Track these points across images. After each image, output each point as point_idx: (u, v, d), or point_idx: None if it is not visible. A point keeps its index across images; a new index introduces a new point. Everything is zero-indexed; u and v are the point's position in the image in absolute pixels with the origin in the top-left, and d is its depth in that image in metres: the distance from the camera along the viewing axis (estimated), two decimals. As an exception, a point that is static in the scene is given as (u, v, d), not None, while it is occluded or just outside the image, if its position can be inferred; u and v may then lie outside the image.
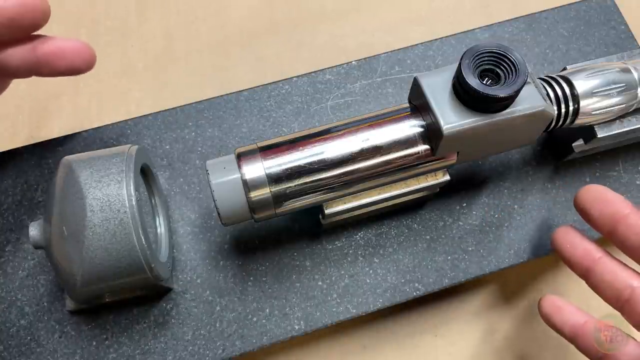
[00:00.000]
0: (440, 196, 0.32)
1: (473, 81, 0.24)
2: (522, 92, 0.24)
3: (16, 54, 0.27)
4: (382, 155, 0.26)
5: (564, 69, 0.31)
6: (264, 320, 0.30)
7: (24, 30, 0.27)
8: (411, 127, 0.26)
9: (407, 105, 0.28)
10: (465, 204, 0.33)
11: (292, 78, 0.36)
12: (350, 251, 0.32)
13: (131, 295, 0.30)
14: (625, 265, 0.27)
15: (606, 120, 0.30)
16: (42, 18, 0.27)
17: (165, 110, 0.35)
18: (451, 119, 0.25)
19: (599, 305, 0.28)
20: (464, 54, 0.24)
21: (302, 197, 0.27)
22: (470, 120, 0.24)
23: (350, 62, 0.36)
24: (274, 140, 0.27)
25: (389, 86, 0.36)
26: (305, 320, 0.30)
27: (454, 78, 0.25)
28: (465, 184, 0.33)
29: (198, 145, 0.34)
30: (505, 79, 0.24)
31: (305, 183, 0.26)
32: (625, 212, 0.26)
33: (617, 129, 0.30)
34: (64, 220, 0.25)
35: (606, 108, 0.29)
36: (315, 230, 0.32)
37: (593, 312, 0.28)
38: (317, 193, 0.27)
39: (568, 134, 0.31)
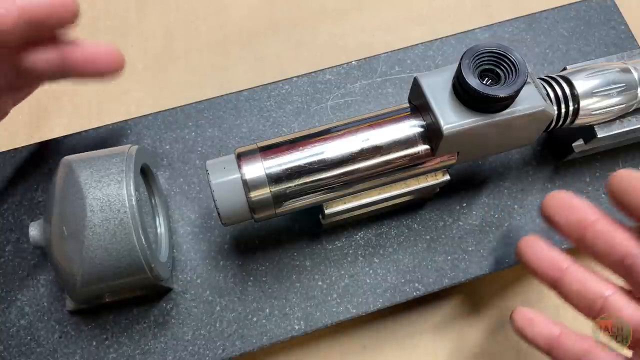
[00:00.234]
0: (440, 196, 0.32)
1: (473, 81, 0.24)
2: (522, 92, 0.24)
3: (44, 57, 0.27)
4: (382, 155, 0.26)
5: (564, 69, 0.31)
6: (264, 320, 0.30)
7: (51, 29, 0.26)
8: (411, 127, 0.26)
9: (407, 105, 0.28)
10: (465, 204, 0.33)
11: (292, 78, 0.36)
12: (350, 251, 0.32)
13: (131, 295, 0.30)
14: (595, 273, 0.26)
15: (606, 120, 0.30)
16: (70, 17, 0.26)
17: (165, 110, 0.35)
18: (451, 119, 0.25)
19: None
20: (464, 54, 0.24)
21: (302, 197, 0.27)
22: (470, 120, 0.24)
23: (350, 62, 0.36)
24: (274, 140, 0.27)
25: (389, 86, 0.36)
26: (305, 320, 0.30)
27: (454, 78, 0.25)
28: (465, 184, 0.33)
29: (198, 145, 0.34)
30: (505, 79, 0.24)
31: (305, 183, 0.26)
32: (592, 218, 0.26)
33: (617, 129, 0.30)
34: (64, 220, 0.25)
35: (606, 108, 0.29)
36: (315, 230, 0.32)
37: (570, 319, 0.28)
38: (317, 193, 0.27)
39: (568, 134, 0.31)
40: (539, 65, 0.36)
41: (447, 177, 0.29)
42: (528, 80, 0.25)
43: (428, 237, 0.32)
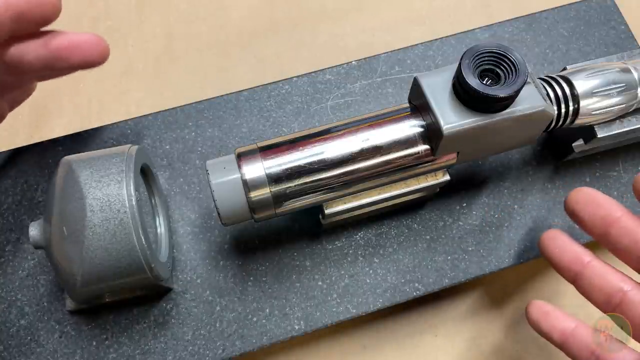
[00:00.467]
0: (440, 196, 0.32)
1: (473, 81, 0.24)
2: (522, 92, 0.24)
3: (30, 49, 0.27)
4: (382, 155, 0.26)
5: (564, 69, 0.31)
6: (264, 320, 0.30)
7: (35, 25, 0.27)
8: (411, 127, 0.26)
9: (407, 105, 0.28)
10: (465, 204, 0.33)
11: (292, 78, 0.36)
12: (350, 251, 0.32)
13: (131, 295, 0.30)
14: (615, 268, 0.27)
15: (606, 120, 0.30)
16: (53, 12, 0.27)
17: (165, 110, 0.35)
18: (451, 119, 0.25)
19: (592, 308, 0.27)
20: (464, 54, 0.24)
21: (302, 197, 0.27)
22: (470, 120, 0.24)
23: (350, 62, 0.36)
24: (274, 140, 0.27)
25: (389, 86, 0.36)
26: (305, 320, 0.30)
27: (454, 78, 0.25)
28: (465, 184, 0.33)
29: (198, 145, 0.34)
30: (505, 79, 0.24)
31: (305, 183, 0.26)
32: (617, 214, 0.26)
33: (617, 129, 0.30)
34: (64, 220, 0.25)
35: (606, 108, 0.29)
36: (315, 230, 0.32)
37: (585, 315, 0.28)
38: (317, 193, 0.27)
39: (568, 134, 0.31)
40: (539, 65, 0.36)
41: (447, 177, 0.29)
42: (528, 80, 0.25)
43: (428, 237, 0.32)
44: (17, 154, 0.34)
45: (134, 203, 0.26)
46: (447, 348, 0.36)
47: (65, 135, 0.34)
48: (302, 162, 0.26)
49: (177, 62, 0.44)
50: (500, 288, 0.37)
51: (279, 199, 0.26)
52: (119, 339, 0.30)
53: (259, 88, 0.36)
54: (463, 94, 0.24)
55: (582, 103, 0.28)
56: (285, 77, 0.36)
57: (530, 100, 0.25)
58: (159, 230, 0.31)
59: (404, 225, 0.32)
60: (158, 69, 0.43)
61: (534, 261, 0.32)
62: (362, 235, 0.32)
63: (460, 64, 0.24)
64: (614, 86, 0.28)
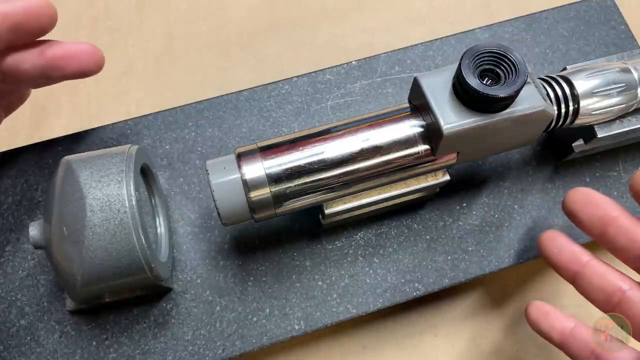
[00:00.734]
0: (440, 196, 0.32)
1: (473, 81, 0.24)
2: (522, 92, 0.24)
3: (26, 59, 0.27)
4: (382, 155, 0.26)
5: (564, 69, 0.31)
6: (264, 320, 0.30)
7: (31, 35, 0.27)
8: (411, 127, 0.26)
9: (407, 105, 0.28)
10: (465, 204, 0.33)
11: (292, 78, 0.36)
12: (350, 251, 0.32)
13: (131, 295, 0.30)
14: (613, 268, 0.27)
15: (606, 120, 0.30)
16: (49, 22, 0.27)
17: (165, 110, 0.35)
18: (451, 119, 0.25)
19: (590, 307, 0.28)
20: (464, 54, 0.24)
21: (302, 197, 0.27)
22: (470, 120, 0.24)
23: (350, 62, 0.36)
24: (274, 140, 0.27)
25: (389, 86, 0.36)
26: (305, 320, 0.30)
27: (454, 78, 0.25)
28: (465, 184, 0.33)
29: (198, 145, 0.34)
30: (505, 79, 0.24)
31: (305, 183, 0.26)
32: (614, 214, 0.26)
33: (617, 129, 0.30)
34: (64, 220, 0.25)
35: (606, 108, 0.29)
36: (315, 230, 0.32)
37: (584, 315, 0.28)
38: (317, 193, 0.27)
39: (568, 134, 0.31)
40: (539, 65, 0.36)
41: (447, 177, 0.29)
42: (528, 80, 0.25)
43: (428, 237, 0.32)
44: (17, 154, 0.34)
45: (134, 203, 0.26)
46: (447, 348, 0.36)
47: (65, 135, 0.34)
48: (302, 162, 0.26)
49: (177, 62, 0.44)
50: (500, 288, 0.37)
51: (279, 199, 0.26)
52: (119, 339, 0.30)
53: (259, 88, 0.36)
54: (463, 94, 0.24)
55: (582, 103, 0.28)
56: (285, 77, 0.36)
57: (530, 100, 0.25)
58: (159, 230, 0.31)
59: (404, 225, 0.32)
60: (158, 69, 0.43)
61: (534, 261, 0.32)
62: (362, 235, 0.32)
63: (460, 64, 0.24)
64: (614, 86, 0.28)
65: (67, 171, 0.27)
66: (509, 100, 0.24)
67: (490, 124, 0.25)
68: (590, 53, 0.36)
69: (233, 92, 0.36)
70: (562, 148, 0.33)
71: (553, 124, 0.29)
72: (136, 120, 0.35)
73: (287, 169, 0.26)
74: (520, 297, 0.37)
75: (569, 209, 0.28)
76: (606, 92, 0.28)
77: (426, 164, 0.27)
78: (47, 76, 0.28)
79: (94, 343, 0.30)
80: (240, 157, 0.26)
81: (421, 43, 0.37)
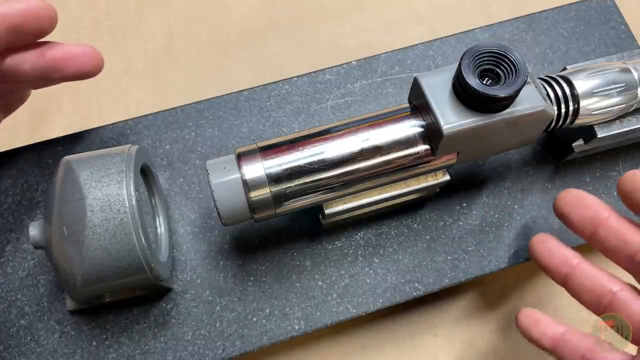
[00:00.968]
0: (440, 196, 0.32)
1: (473, 81, 0.24)
2: (522, 92, 0.24)
3: (26, 60, 0.28)
4: (382, 155, 0.26)
5: (564, 69, 0.31)
6: (264, 320, 0.30)
7: (31, 37, 0.27)
8: (411, 127, 0.26)
9: (407, 105, 0.28)
10: (465, 204, 0.33)
11: (292, 78, 0.36)
12: (350, 251, 0.32)
13: (131, 295, 0.30)
14: (604, 270, 0.27)
15: (606, 120, 0.30)
16: (49, 24, 0.27)
17: (165, 110, 0.35)
18: (451, 119, 0.25)
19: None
20: (464, 54, 0.24)
21: (302, 197, 0.27)
22: (470, 120, 0.24)
23: (350, 62, 0.36)
24: (274, 140, 0.27)
25: (389, 86, 0.36)
26: (305, 320, 0.30)
27: (454, 78, 0.25)
28: (465, 184, 0.33)
29: (198, 145, 0.34)
30: (505, 79, 0.24)
31: (305, 183, 0.26)
32: (605, 215, 0.26)
33: (617, 129, 0.30)
34: (64, 220, 0.25)
35: (606, 108, 0.29)
36: (315, 230, 0.32)
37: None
38: (317, 193, 0.27)
39: (568, 134, 0.31)
40: (539, 65, 0.36)
41: (447, 177, 0.29)
42: (528, 80, 0.25)
43: (428, 237, 0.32)
44: (17, 154, 0.34)
45: (134, 203, 0.26)
46: (447, 348, 0.36)
47: (65, 135, 0.34)
48: (302, 162, 0.26)
49: (177, 62, 0.44)
50: (500, 288, 0.37)
51: (279, 199, 0.26)
52: (119, 339, 0.30)
53: (259, 88, 0.36)
54: (463, 94, 0.24)
55: (582, 103, 0.28)
56: (285, 77, 0.36)
57: (530, 100, 0.25)
58: (159, 230, 0.31)
59: (404, 225, 0.32)
60: (158, 69, 0.43)
61: (533, 261, 0.32)
62: (362, 235, 0.32)
63: (460, 64, 0.24)
64: (614, 86, 0.28)
65: (67, 171, 0.27)
66: (509, 100, 0.24)
67: (490, 124, 0.25)
68: (590, 53, 0.36)
69: (233, 92, 0.36)
70: (562, 148, 0.33)
71: (553, 124, 0.29)
72: (136, 120, 0.35)
73: (287, 169, 0.26)
74: (520, 297, 0.37)
75: (560, 211, 0.28)
76: (606, 92, 0.28)
77: (426, 164, 0.27)
78: (47, 77, 0.28)
79: (94, 343, 0.30)
80: (240, 157, 0.26)
81: (421, 43, 0.37)
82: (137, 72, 0.43)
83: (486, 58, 0.25)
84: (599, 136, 0.30)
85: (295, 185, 0.26)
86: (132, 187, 0.26)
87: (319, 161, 0.26)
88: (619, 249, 0.26)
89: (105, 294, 0.28)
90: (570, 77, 0.29)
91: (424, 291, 0.31)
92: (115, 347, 0.30)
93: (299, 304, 0.31)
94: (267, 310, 0.31)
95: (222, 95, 0.35)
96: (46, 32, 0.27)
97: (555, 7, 0.38)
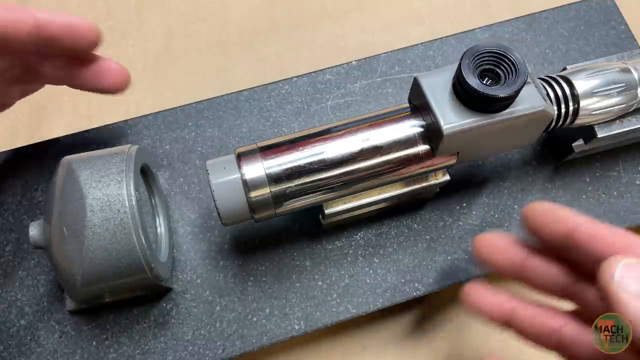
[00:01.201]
0: (440, 196, 0.32)
1: (473, 81, 0.24)
2: (522, 92, 0.24)
3: (53, 65, 0.28)
4: (382, 155, 0.26)
5: (564, 69, 0.31)
6: (264, 320, 0.30)
7: (64, 52, 0.27)
8: (411, 127, 0.26)
9: (407, 105, 0.28)
10: (465, 204, 0.33)
11: (292, 78, 0.36)
12: (350, 251, 0.32)
13: (131, 295, 0.30)
14: (541, 305, 0.25)
15: (606, 120, 0.30)
16: (87, 46, 0.27)
17: (165, 110, 0.35)
18: (451, 119, 0.25)
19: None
20: (464, 54, 0.24)
21: (302, 197, 0.27)
22: (470, 120, 0.24)
23: (350, 62, 0.36)
24: (274, 140, 0.27)
25: (389, 86, 0.36)
26: (305, 320, 0.30)
27: (454, 78, 0.25)
28: (465, 184, 0.33)
29: (198, 145, 0.34)
30: (505, 79, 0.24)
31: (305, 183, 0.26)
32: (522, 256, 0.25)
33: (617, 129, 0.30)
34: (64, 220, 0.25)
35: (606, 108, 0.29)
36: (315, 230, 0.32)
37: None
38: (317, 193, 0.27)
39: (568, 134, 0.31)
40: (539, 65, 0.36)
41: (447, 177, 0.29)
42: (528, 80, 0.25)
43: (428, 237, 0.32)
44: (17, 154, 0.34)
45: (134, 203, 0.26)
46: (448, 348, 0.35)
47: (65, 135, 0.34)
48: (302, 162, 0.26)
49: (177, 62, 0.44)
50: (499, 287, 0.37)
51: (279, 199, 0.26)
52: (119, 339, 0.30)
53: (259, 88, 0.36)
54: (463, 94, 0.24)
55: (582, 103, 0.28)
56: (285, 77, 0.36)
57: (530, 100, 0.25)
58: (159, 230, 0.31)
59: (404, 225, 0.32)
60: (158, 69, 0.43)
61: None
62: (362, 235, 0.32)
63: (460, 64, 0.24)
64: (614, 86, 0.28)
65: (67, 171, 0.27)
66: (509, 100, 0.24)
67: (490, 124, 0.25)
68: (590, 53, 0.36)
69: (233, 92, 0.36)
70: (562, 148, 0.33)
71: (553, 124, 0.29)
72: (136, 120, 0.35)
73: (287, 169, 0.26)
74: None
75: (479, 256, 0.26)
76: (606, 92, 0.28)
77: (426, 164, 0.27)
78: (69, 83, 0.29)
79: (94, 343, 0.30)
80: (240, 157, 0.26)
81: (421, 43, 0.37)
82: (137, 72, 0.43)
83: (486, 58, 0.25)
84: (599, 136, 0.30)
85: (295, 185, 0.26)
86: (132, 187, 0.26)
87: (319, 161, 0.26)
88: (549, 286, 0.25)
89: (105, 294, 0.28)
90: (570, 77, 0.29)
91: (424, 291, 0.31)
92: (115, 347, 0.30)
93: (299, 304, 0.31)
94: (267, 310, 0.31)
95: (222, 95, 0.35)
96: (82, 53, 0.28)
97: (555, 7, 0.38)
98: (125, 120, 0.35)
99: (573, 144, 0.31)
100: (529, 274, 0.25)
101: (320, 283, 0.31)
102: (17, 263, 0.31)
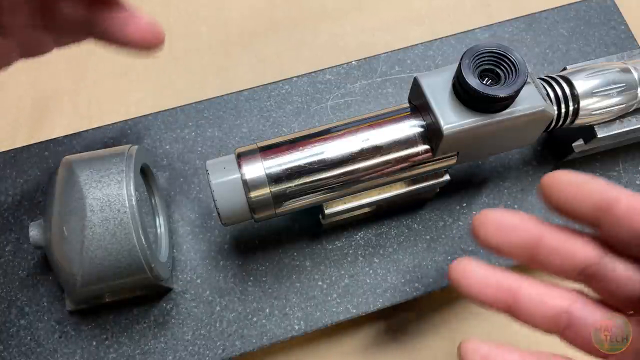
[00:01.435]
0: (440, 196, 0.32)
1: (473, 81, 0.24)
2: (522, 92, 0.24)
3: (74, 3, 0.25)
4: (382, 155, 0.26)
5: (564, 69, 0.31)
6: (264, 320, 0.30)
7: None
8: (411, 127, 0.26)
9: (407, 105, 0.28)
10: (465, 204, 0.33)
11: (292, 78, 0.36)
12: (350, 251, 0.32)
13: (131, 295, 0.30)
14: (548, 283, 0.23)
15: (606, 120, 0.30)
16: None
17: (165, 110, 0.35)
18: (451, 119, 0.25)
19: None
20: (464, 54, 0.24)
21: (302, 197, 0.27)
22: (470, 120, 0.24)
23: (350, 62, 0.36)
24: (274, 140, 0.27)
25: (389, 86, 0.36)
26: (305, 320, 0.30)
27: (454, 78, 0.25)
28: (465, 184, 0.33)
29: (198, 145, 0.34)
30: (505, 79, 0.24)
31: (305, 183, 0.26)
32: (537, 232, 0.22)
33: (617, 129, 0.30)
34: (64, 220, 0.25)
35: (606, 108, 0.29)
36: (315, 230, 0.32)
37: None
38: (317, 193, 0.27)
39: (568, 134, 0.31)
40: (539, 65, 0.36)
41: (447, 177, 0.29)
42: (528, 80, 0.25)
43: (428, 237, 0.32)
44: (17, 154, 0.34)
45: (134, 203, 0.26)
46: (448, 348, 0.35)
47: (65, 135, 0.34)
48: (302, 162, 0.26)
49: (177, 62, 0.44)
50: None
51: (279, 199, 0.26)
52: (119, 339, 0.30)
53: (259, 88, 0.36)
54: (463, 94, 0.24)
55: (582, 103, 0.28)
56: (285, 77, 0.36)
57: (530, 100, 0.25)
58: (159, 230, 0.31)
59: (404, 225, 0.32)
60: (158, 69, 0.43)
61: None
62: (362, 235, 0.32)
63: (460, 64, 0.24)
64: (614, 86, 0.28)
65: (67, 171, 0.27)
66: (509, 100, 0.24)
67: (490, 124, 0.25)
68: (590, 53, 0.36)
69: (233, 92, 0.36)
70: (562, 148, 0.33)
71: (553, 124, 0.29)
72: (136, 120, 0.35)
73: (287, 169, 0.26)
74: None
75: (484, 243, 0.23)
76: (606, 92, 0.28)
77: (426, 164, 0.27)
78: (93, 36, 0.27)
79: (94, 343, 0.30)
80: (240, 157, 0.26)
81: (421, 43, 0.37)
82: (137, 72, 0.43)
83: (486, 58, 0.25)
84: (599, 136, 0.30)
85: (295, 185, 0.26)
86: (132, 187, 0.26)
87: (319, 161, 0.26)
88: (565, 267, 0.22)
89: (105, 294, 0.28)
90: (570, 77, 0.29)
91: (424, 291, 0.31)
92: (115, 347, 0.30)
93: (299, 304, 0.31)
94: (267, 310, 0.31)
95: (222, 95, 0.35)
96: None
97: (555, 7, 0.38)
98: (125, 120, 0.35)
99: (573, 144, 0.31)
100: (545, 256, 0.22)
101: (320, 283, 0.31)
102: (17, 263, 0.31)
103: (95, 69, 0.43)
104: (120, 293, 0.29)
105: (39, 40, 0.27)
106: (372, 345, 0.36)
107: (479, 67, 0.25)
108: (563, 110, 0.28)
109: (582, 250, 0.22)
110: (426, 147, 0.26)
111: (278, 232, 0.32)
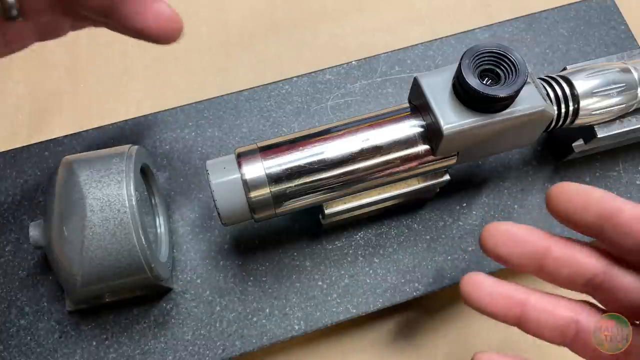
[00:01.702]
0: (440, 196, 0.32)
1: (473, 81, 0.24)
2: (522, 92, 0.24)
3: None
4: (382, 155, 0.26)
5: (564, 69, 0.31)
6: (264, 320, 0.30)
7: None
8: (411, 127, 0.26)
9: (407, 105, 0.28)
10: (465, 204, 0.33)
11: (292, 78, 0.36)
12: (350, 251, 0.32)
13: (131, 295, 0.30)
14: (556, 295, 0.24)
15: (606, 120, 0.30)
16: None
17: (165, 110, 0.35)
18: (451, 119, 0.25)
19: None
20: (464, 54, 0.24)
21: (302, 197, 0.27)
22: (470, 120, 0.24)
23: (350, 62, 0.36)
24: (274, 140, 0.27)
25: (389, 86, 0.36)
26: (305, 320, 0.30)
27: (454, 78, 0.25)
28: (465, 184, 0.33)
29: (198, 145, 0.34)
30: (505, 79, 0.24)
31: (305, 183, 0.26)
32: (545, 244, 0.23)
33: (617, 129, 0.30)
34: (64, 220, 0.25)
35: (606, 108, 0.29)
36: (315, 230, 0.32)
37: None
38: (317, 193, 0.27)
39: (568, 134, 0.31)
40: (539, 65, 0.36)
41: (447, 177, 0.29)
42: (528, 80, 0.25)
43: (428, 237, 0.32)
44: (17, 154, 0.34)
45: (134, 203, 0.26)
46: (448, 348, 0.35)
47: (65, 135, 0.34)
48: (302, 162, 0.26)
49: (177, 62, 0.44)
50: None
51: (279, 199, 0.26)
52: (119, 339, 0.30)
53: (259, 88, 0.36)
54: (463, 94, 0.24)
55: (582, 103, 0.28)
56: (285, 77, 0.36)
57: (530, 100, 0.25)
58: (159, 230, 0.31)
59: (404, 225, 0.32)
60: (158, 69, 0.43)
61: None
62: (362, 235, 0.32)
63: (460, 64, 0.24)
64: (614, 86, 0.28)
65: (67, 171, 0.27)
66: (509, 100, 0.24)
67: (490, 124, 0.25)
68: (590, 53, 0.36)
69: (233, 92, 0.36)
70: (562, 148, 0.33)
71: (553, 124, 0.29)
72: (136, 120, 0.35)
73: (287, 169, 0.26)
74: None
75: (492, 254, 0.24)
76: (606, 92, 0.28)
77: (426, 164, 0.27)
78: (107, 19, 0.25)
79: (94, 343, 0.30)
80: (240, 157, 0.26)
81: (421, 43, 0.37)
82: (137, 72, 0.43)
83: (486, 58, 0.25)
84: (599, 136, 0.30)
85: (295, 185, 0.26)
86: (132, 187, 0.26)
87: (319, 161, 0.26)
88: (572, 277, 0.23)
89: (105, 294, 0.28)
90: (570, 77, 0.29)
91: (424, 291, 0.31)
92: (115, 347, 0.30)
93: (299, 304, 0.31)
94: (267, 310, 0.31)
95: (222, 95, 0.35)
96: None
97: (555, 7, 0.38)
98: (125, 120, 0.35)
99: (573, 144, 0.31)
100: (552, 266, 0.23)
101: (320, 283, 0.31)
102: (17, 263, 0.31)
103: (95, 69, 0.43)
104: (120, 293, 0.29)
105: (57, 24, 0.26)
106: (372, 345, 0.36)
107: (479, 67, 0.25)
108: (563, 110, 0.28)
109: (588, 260, 0.23)
110: (426, 147, 0.26)
111: (278, 232, 0.32)
